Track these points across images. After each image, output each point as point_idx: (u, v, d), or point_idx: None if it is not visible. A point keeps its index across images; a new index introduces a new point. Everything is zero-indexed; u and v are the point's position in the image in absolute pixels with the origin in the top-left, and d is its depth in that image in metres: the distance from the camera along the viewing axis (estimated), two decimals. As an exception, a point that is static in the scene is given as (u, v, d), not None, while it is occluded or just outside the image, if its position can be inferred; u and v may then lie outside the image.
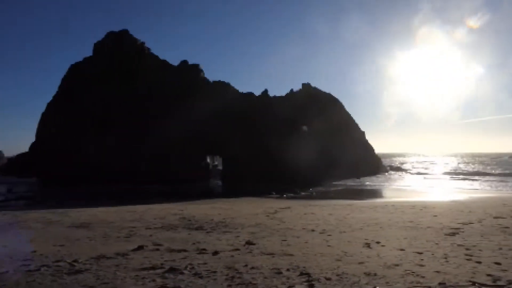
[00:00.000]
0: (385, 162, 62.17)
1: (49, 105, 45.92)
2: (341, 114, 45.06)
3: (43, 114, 45.69)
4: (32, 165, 41.34)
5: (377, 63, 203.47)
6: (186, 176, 37.30)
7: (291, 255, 7.35)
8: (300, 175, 36.76)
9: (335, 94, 48.59)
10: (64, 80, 46.63)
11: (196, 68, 46.05)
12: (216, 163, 56.71)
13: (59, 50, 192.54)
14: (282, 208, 16.41)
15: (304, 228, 10.86)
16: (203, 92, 42.80)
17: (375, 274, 5.88)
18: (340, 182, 36.55)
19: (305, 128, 40.65)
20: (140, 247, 8.24)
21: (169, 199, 23.96)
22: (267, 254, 7.42)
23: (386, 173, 48.22)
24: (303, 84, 46.45)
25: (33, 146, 44.92)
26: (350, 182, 37.27)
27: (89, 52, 47.35)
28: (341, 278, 5.69)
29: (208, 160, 47.75)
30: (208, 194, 27.65)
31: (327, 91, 47.43)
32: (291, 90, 46.53)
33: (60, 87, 46.57)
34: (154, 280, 5.68)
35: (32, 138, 45.00)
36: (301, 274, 5.92)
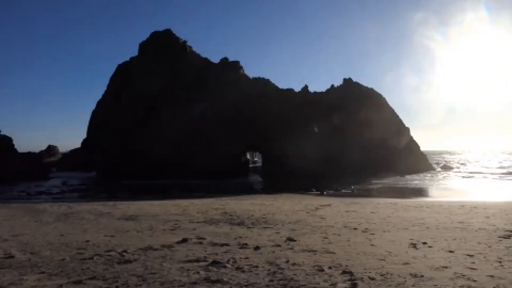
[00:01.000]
0: (432, 159, 59.41)
1: (99, 103, 48.44)
2: (384, 109, 43.61)
3: (93, 112, 48.28)
4: (83, 160, 43.91)
5: (426, 53, 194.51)
6: (226, 172, 37.91)
7: (333, 253, 7.27)
8: (341, 172, 36.13)
9: (378, 89, 47.15)
10: (112, 79, 48.97)
11: (236, 65, 46.56)
12: (256, 159, 57.32)
13: (108, 51, 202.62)
14: (322, 205, 16.24)
15: (345, 226, 10.68)
16: (243, 89, 43.23)
17: (422, 276, 5.67)
18: (383, 180, 35.45)
19: (344, 124, 39.76)
20: (184, 240, 8.51)
21: (210, 194, 24.50)
22: (309, 251, 7.39)
23: (433, 171, 46.04)
24: (345, 79, 45.46)
25: (84, 142, 47.64)
26: (394, 180, 36.03)
27: (135, 52, 49.34)
28: (385, 278, 5.55)
29: (248, 156, 48.35)
30: (248, 190, 27.92)
31: (370, 86, 46.13)
32: (332, 85, 45.75)
33: (108, 86, 48.96)
34: (198, 273, 5.85)
35: (83, 134, 47.81)
36: (344, 272, 5.84)
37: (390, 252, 7.34)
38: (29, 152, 43.50)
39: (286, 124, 41.34)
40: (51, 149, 55.76)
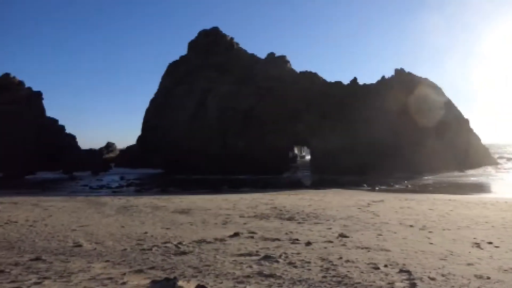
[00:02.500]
0: (495, 152, 55.08)
1: (152, 101, 50.71)
2: (440, 100, 41.10)
3: (147, 110, 50.63)
4: (139, 156, 46.23)
5: (489, 41, 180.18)
6: (274, 167, 38.01)
7: (388, 250, 7.03)
8: (394, 167, 34.74)
9: (433, 79, 44.49)
10: (164, 77, 51.02)
11: (282, 60, 46.38)
12: (303, 154, 56.87)
13: (160, 51, 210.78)
14: (375, 201, 15.73)
15: (401, 223, 10.27)
16: (290, 83, 43.00)
17: (488, 278, 5.30)
18: (440, 175, 33.56)
19: (396, 116, 38.01)
20: (236, 234, 8.68)
21: (259, 189, 24.71)
22: (362, 248, 7.21)
23: (496, 165, 42.69)
24: (396, 70, 43.42)
25: (139, 138, 50.19)
26: (452, 175, 33.97)
27: (184, 51, 50.94)
28: (447, 279, 5.26)
29: (296, 151, 48.09)
30: (296, 185, 27.79)
31: (424, 76, 43.70)
32: (383, 76, 43.93)
33: (160, 84, 51.08)
34: (251, 266, 5.94)
35: (138, 131, 50.39)
36: (401, 271, 5.63)
37: (452, 251, 6.94)
38: (91, 149, 46.70)
39: (334, 117, 40.50)
40: (109, 146, 59.39)
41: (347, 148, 38.00)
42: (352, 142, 38.01)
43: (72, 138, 43.75)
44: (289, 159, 43.06)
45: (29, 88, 41.96)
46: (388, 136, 36.72)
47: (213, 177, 35.49)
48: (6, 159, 35.57)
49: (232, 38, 48.59)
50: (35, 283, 5.03)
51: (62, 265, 6.00)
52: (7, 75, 41.22)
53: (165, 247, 7.44)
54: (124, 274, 5.49)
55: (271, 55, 46.45)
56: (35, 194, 21.29)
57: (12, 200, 16.36)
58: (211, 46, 47.36)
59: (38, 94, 42.18)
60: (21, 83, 41.77)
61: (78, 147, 44.08)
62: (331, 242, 7.83)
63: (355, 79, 43.84)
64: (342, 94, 41.91)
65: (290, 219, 11.29)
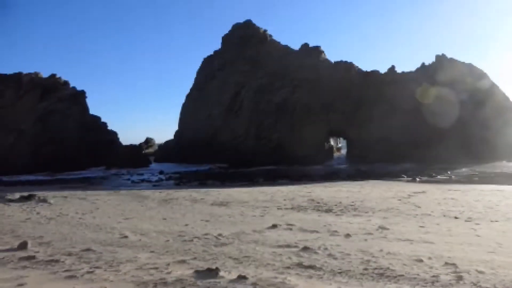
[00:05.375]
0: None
1: (188, 96, 51.83)
2: (485, 88, 38.80)
3: (183, 105, 51.86)
4: (176, 150, 47.52)
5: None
6: (310, 159, 37.76)
7: (431, 243, 6.83)
8: (434, 157, 33.40)
9: (478, 65, 42.01)
10: (199, 72, 51.92)
11: (317, 50, 45.71)
12: (340, 145, 55.90)
13: (195, 46, 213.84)
14: (416, 192, 15.27)
15: (444, 215, 9.92)
16: (325, 74, 42.35)
17: (543, 272, 5.02)
18: (486, 165, 31.86)
19: (437, 104, 36.35)
20: (274, 226, 8.76)
21: (295, 181, 24.71)
22: (404, 240, 7.05)
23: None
24: (437, 56, 41.47)
25: (176, 133, 51.55)
26: (500, 165, 32.14)
27: (218, 45, 51.48)
28: (496, 272, 5.05)
29: (332, 142, 47.39)
30: (333, 176, 27.46)
31: (467, 61, 41.41)
32: (423, 64, 42.15)
33: (195, 79, 52.04)
34: (290, 258, 5.99)
35: (176, 126, 51.81)
36: (446, 264, 5.46)
37: (501, 244, 6.63)
38: (131, 144, 48.53)
39: (371, 107, 39.49)
40: (148, 141, 61.45)
41: (385, 139, 37.02)
42: (390, 132, 36.94)
43: (114, 134, 45.62)
44: (325, 151, 42.55)
45: (74, 88, 44.13)
46: (429, 125, 35.27)
47: (248, 169, 35.80)
48: (53, 155, 37.79)
49: (265, 31, 48.44)
50: (88, 272, 5.36)
51: (111, 256, 6.35)
52: (53, 76, 43.56)
53: (206, 238, 7.65)
54: (169, 264, 5.72)
55: (305, 46, 45.89)
56: (82, 188, 22.51)
57: (62, 194, 17.41)
58: (244, 40, 47.50)
59: (82, 93, 44.27)
60: (66, 82, 44.03)
61: (120, 143, 45.92)
62: (371, 234, 7.71)
63: (392, 67, 42.43)
64: (379, 83, 40.76)
65: (328, 211, 11.22)
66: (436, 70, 39.58)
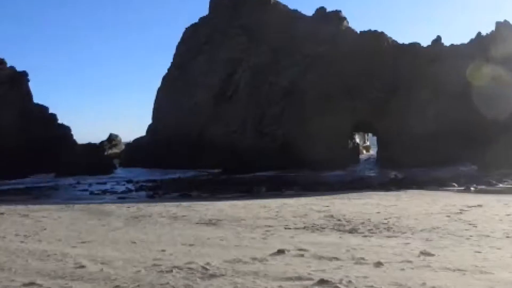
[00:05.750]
0: None
1: (164, 78, 51.86)
2: None
3: (159, 91, 51.92)
4: (149, 151, 47.57)
5: None
6: (328, 161, 37.82)
7: (491, 273, 6.83)
8: (496, 158, 33.39)
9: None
10: (179, 47, 51.95)
11: (337, 16, 45.65)
12: (367, 143, 56.09)
13: (171, 13, 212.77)
14: (470, 206, 15.31)
15: (508, 236, 9.94)
16: (348, 47, 42.30)
17: None
18: None
19: (497, 87, 36.34)
20: (281, 252, 8.75)
21: (309, 191, 24.70)
22: (454, 270, 7.05)
23: None
24: (498, 24, 41.42)
25: (150, 128, 51.61)
26: None
27: (204, 11, 51.49)
28: None
29: (358, 139, 47.54)
30: (359, 184, 27.51)
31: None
32: (478, 33, 42.14)
33: (174, 56, 52.08)
34: (302, 295, 5.99)
35: (149, 119, 51.91)
36: (510, 302, 5.46)
37: None
38: (90, 143, 48.53)
39: (409, 92, 39.53)
40: (112, 139, 61.49)
41: (428, 134, 37.03)
42: (434, 126, 37.00)
43: (67, 129, 45.66)
44: (348, 151, 42.60)
45: (12, 68, 44.09)
46: (485, 116, 35.31)
47: (246, 176, 35.91)
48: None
49: (267, -10, 48.49)
50: (31, 314, 5.35)
51: (63, 292, 6.34)
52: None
53: (189, 268, 7.64)
54: (139, 303, 5.71)
55: (320, 11, 45.92)
56: (24, 202, 22.52)
57: (-3, 210, 17.41)
58: (239, 3, 47.52)
59: (23, 75, 44.26)
60: (1, 61, 43.97)
61: (74, 141, 45.96)
62: (410, 262, 7.71)
63: (438, 38, 42.49)
64: (419, 59, 40.81)
65: (352, 231, 11.24)
66: (495, 41, 39.60)
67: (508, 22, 41.46)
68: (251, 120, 43.94)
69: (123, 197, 25.81)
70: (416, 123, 37.85)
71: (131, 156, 50.16)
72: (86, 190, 30.72)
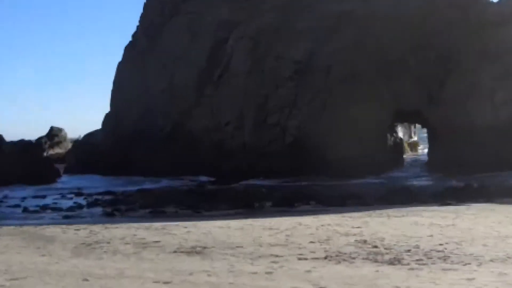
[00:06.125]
0: None
1: (128, 50, 51.79)
2: None
3: (120, 67, 51.82)
4: (107, 151, 47.52)
5: None
6: (359, 164, 37.80)
7: None
8: None
9: None
10: (147, 6, 51.92)
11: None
12: (415, 137, 56.05)
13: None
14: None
15: None
16: (387, 7, 42.22)
17: None
18: None
19: None
20: (293, 292, 8.72)
21: (332, 206, 24.79)
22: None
23: None
24: None
25: (108, 120, 51.51)
26: None
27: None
28: None
29: (401, 133, 47.49)
30: (403, 196, 27.40)
31: None
32: None
33: (141, 17, 52.03)
34: None
35: (105, 108, 51.81)
36: None
37: None
38: (22, 141, 48.35)
39: (472, 70, 39.48)
40: (54, 134, 61.52)
41: (499, 127, 37.01)
42: (507, 116, 37.01)
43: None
44: (387, 149, 42.54)
45: None
46: None
47: (243, 184, 35.87)
48: None
49: None
50: None
51: None
52: None
53: (164, 316, 7.60)
54: None
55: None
56: None
57: None
58: None
59: None
60: None
61: (1, 137, 45.77)
62: (477, 305, 7.69)
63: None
64: (486, 23, 40.67)
65: (393, 262, 11.22)
66: None
67: None
68: (250, 108, 43.90)
69: (70, 216, 25.66)
70: (482, 112, 37.83)
71: (81, 158, 50.08)
72: (18, 206, 30.58)
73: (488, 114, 37.65)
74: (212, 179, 40.12)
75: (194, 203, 28.23)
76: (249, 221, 19.92)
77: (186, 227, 18.07)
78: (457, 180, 32.93)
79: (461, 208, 21.91)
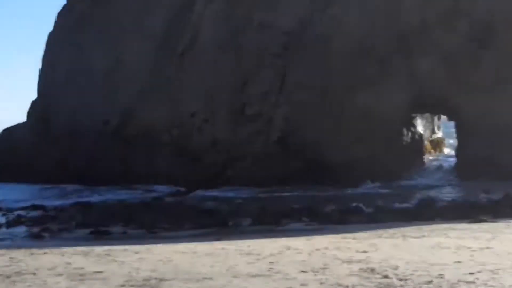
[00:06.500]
0: None
1: (62, 17, 51.64)
2: None
3: (50, 41, 51.66)
4: (33, 152, 47.34)
5: None
6: (367, 166, 38.03)
7: None
8: None
9: None
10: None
11: None
12: (439, 133, 56.33)
13: None
14: None
15: None
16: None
17: None
18: None
19: None
20: None
21: (330, 223, 25.00)
22: None
23: None
24: None
25: (34, 110, 51.28)
26: None
27: None
28: None
29: (420, 127, 47.70)
30: (423, 210, 27.63)
31: None
32: None
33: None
34: None
35: (32, 93, 51.49)
36: None
37: None
38: None
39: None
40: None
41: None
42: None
43: None
44: (403, 147, 42.77)
45: None
46: None
47: (213, 196, 35.97)
48: None
49: None
50: None
51: None
52: None
53: None
54: None
55: None
56: None
57: None
58: None
59: None
60: None
61: None
62: None
63: None
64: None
65: (410, 299, 11.28)
66: None
67: None
68: (223, 94, 43.93)
69: (-16, 238, 25.62)
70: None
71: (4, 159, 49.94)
72: None
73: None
74: (173, 188, 40.04)
75: (148, 220, 28.20)
76: (221, 244, 19.96)
77: (137, 253, 18.05)
78: (494, 189, 33.17)
79: (499, 226, 22.09)
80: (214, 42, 44.21)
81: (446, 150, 53.62)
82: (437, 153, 52.97)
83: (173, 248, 19.20)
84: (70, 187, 42.06)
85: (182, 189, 39.12)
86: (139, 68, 45.45)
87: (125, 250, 18.84)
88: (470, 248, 16.74)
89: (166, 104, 44.20)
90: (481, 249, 16.58)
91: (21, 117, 53.15)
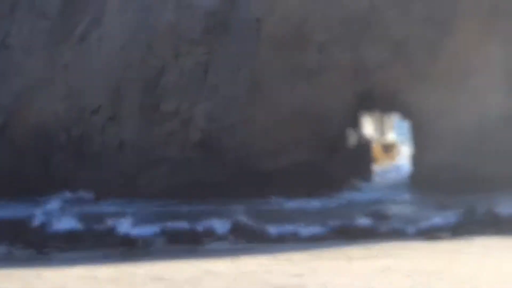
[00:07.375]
0: None
1: None
2: None
3: None
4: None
5: None
6: (303, 175, 38.32)
7: None
8: None
9: None
10: None
11: None
12: (390, 135, 57.11)
13: None
14: None
15: None
16: None
17: None
18: None
19: None
20: None
21: (260, 242, 25.01)
22: None
23: None
24: None
25: None
26: None
27: None
28: None
29: (369, 128, 48.23)
30: (371, 226, 28.03)
31: None
32: None
33: None
34: None
35: None
36: None
37: None
38: None
39: (491, 21, 40.55)
40: None
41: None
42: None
43: None
44: (347, 152, 43.19)
45: None
46: None
47: (119, 208, 35.89)
48: None
49: None
50: None
51: None
52: None
53: None
54: None
55: None
56: None
57: None
58: None
59: None
60: None
61: None
62: None
63: None
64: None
65: None
66: None
67: None
68: (132, 87, 43.76)
69: None
70: (496, 96, 38.87)
71: None
72: None
73: (505, 99, 38.65)
74: (69, 200, 39.72)
75: (38, 239, 27.93)
76: (128, 267, 19.85)
77: (24, 279, 17.83)
78: (455, 201, 33.68)
79: (460, 245, 22.43)
80: (121, 24, 43.92)
81: (400, 156, 54.20)
82: (388, 159, 53.56)
83: (69, 272, 19.00)
84: None
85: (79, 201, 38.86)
86: (28, 54, 44.95)
87: (9, 275, 18.57)
88: (426, 271, 16.88)
89: (61, 98, 43.76)
90: (438, 273, 16.73)
91: None
